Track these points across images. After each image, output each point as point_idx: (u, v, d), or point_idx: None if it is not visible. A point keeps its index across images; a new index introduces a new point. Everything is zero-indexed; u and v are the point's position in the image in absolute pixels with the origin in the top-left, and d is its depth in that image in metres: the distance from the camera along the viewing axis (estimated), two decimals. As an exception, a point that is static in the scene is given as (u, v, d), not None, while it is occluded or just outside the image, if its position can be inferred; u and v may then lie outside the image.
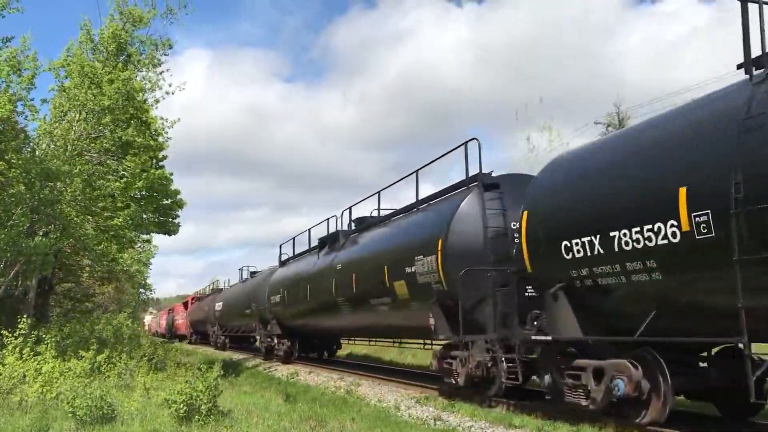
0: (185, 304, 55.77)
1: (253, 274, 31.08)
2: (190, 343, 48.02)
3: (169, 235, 24.79)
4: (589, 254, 7.95)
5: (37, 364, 11.64)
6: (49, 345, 12.52)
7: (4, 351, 12.12)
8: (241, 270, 33.83)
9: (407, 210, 14.41)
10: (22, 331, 12.49)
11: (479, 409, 10.20)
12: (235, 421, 9.05)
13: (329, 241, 18.88)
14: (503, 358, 10.04)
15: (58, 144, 15.98)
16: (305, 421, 9.29)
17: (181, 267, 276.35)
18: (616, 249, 7.50)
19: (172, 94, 18.20)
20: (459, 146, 12.18)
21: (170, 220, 24.38)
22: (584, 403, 8.39)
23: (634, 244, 7.25)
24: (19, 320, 12.89)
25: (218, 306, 34.71)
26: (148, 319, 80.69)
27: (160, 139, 20.83)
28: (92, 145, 16.85)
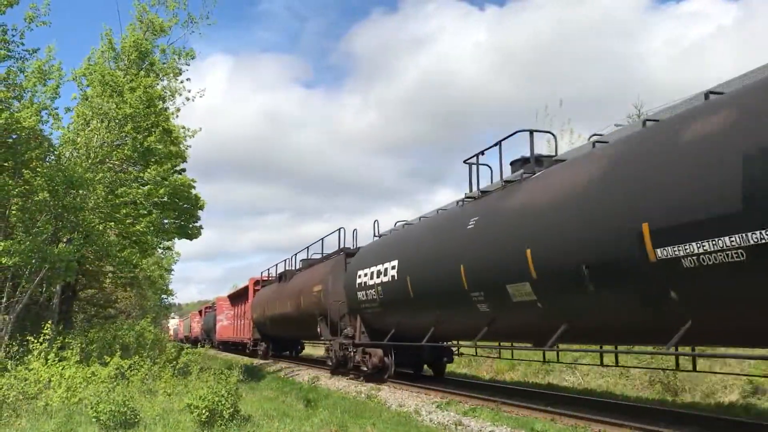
0: (235, 296, 38.41)
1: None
2: (253, 355, 31.53)
3: (191, 239, 24.94)
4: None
5: (62, 369, 11.80)
6: (74, 350, 12.69)
7: (30, 356, 12.30)
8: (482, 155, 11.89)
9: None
10: (47, 337, 12.66)
11: (500, 413, 10.14)
12: (256, 426, 9.09)
13: None
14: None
15: (80, 152, 16.22)
16: (326, 426, 9.30)
17: (201, 273, 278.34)
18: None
19: (192, 100, 18.43)
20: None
21: (191, 224, 24.54)
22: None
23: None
24: (43, 326, 13.08)
25: (366, 277, 15.54)
26: (173, 323, 78.37)
27: (182, 147, 21.08)
28: (114, 152, 17.08)
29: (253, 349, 31.86)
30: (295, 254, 25.05)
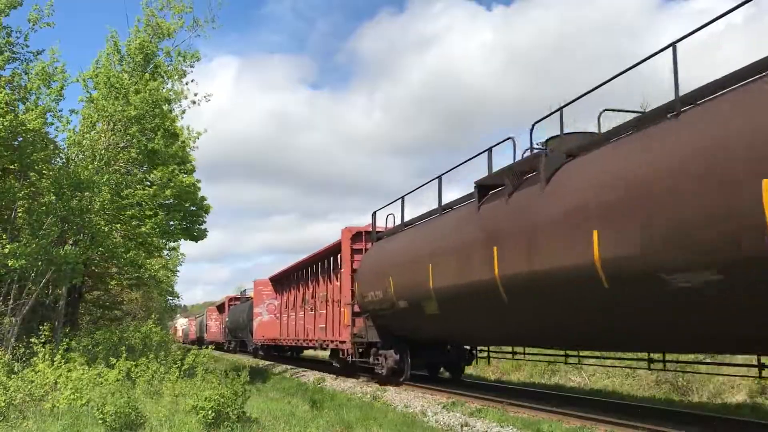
0: (289, 276, 25.81)
1: None
2: (350, 372, 18.67)
3: (196, 241, 25.00)
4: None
5: (68, 371, 11.83)
6: (77, 352, 12.72)
7: (35, 359, 12.33)
8: None
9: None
10: (48, 338, 12.70)
11: (507, 414, 10.12)
12: (262, 428, 9.08)
13: None
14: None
15: (86, 154, 16.26)
16: (332, 427, 9.29)
17: (208, 274, 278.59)
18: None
19: (198, 104, 18.41)
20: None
21: (197, 226, 24.63)
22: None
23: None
24: (44, 328, 13.11)
25: None
26: (181, 322, 75.72)
27: (188, 149, 21.11)
28: (120, 155, 17.12)
29: (358, 363, 16.98)
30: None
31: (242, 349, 38.16)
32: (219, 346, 43.88)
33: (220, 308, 48.04)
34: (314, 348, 22.65)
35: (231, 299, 43.24)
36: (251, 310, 31.84)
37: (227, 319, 41.86)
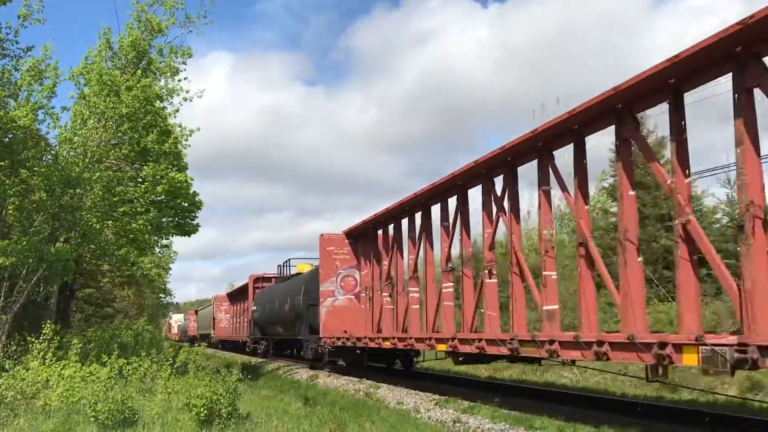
0: (382, 227, 15.81)
1: None
2: None
3: (189, 235, 24.85)
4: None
5: (61, 369, 11.77)
6: (72, 350, 12.66)
7: (28, 356, 12.26)
8: None
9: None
10: (46, 336, 12.64)
11: (499, 410, 10.15)
12: (255, 425, 9.08)
13: None
14: None
15: (78, 151, 16.19)
16: (325, 424, 9.29)
17: (201, 272, 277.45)
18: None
19: (190, 101, 18.37)
20: None
21: (189, 221, 24.49)
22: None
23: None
24: (42, 326, 13.06)
25: None
26: (177, 318, 74.14)
27: (179, 146, 21.02)
28: (112, 151, 17.05)
29: None
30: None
31: (279, 353, 26.66)
32: (234, 347, 34.93)
33: (235, 295, 36.86)
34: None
35: (257, 279, 31.23)
36: (311, 287, 19.21)
37: (254, 307, 28.40)
